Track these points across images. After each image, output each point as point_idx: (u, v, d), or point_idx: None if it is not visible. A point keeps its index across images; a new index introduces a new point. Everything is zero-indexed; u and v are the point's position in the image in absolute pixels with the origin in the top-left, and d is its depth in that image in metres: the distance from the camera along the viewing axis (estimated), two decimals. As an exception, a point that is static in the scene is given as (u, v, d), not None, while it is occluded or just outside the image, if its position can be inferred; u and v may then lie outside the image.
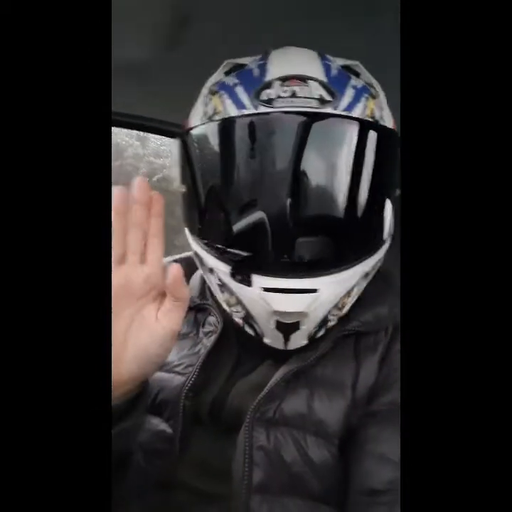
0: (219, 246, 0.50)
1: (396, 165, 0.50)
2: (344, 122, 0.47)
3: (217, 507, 0.47)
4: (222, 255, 0.49)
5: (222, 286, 0.51)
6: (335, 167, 0.48)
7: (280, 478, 0.46)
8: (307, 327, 0.50)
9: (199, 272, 0.63)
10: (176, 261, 0.69)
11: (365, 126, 0.48)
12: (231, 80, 0.50)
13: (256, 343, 0.54)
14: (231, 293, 0.51)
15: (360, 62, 0.55)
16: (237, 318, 0.53)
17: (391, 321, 0.53)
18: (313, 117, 0.46)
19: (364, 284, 0.54)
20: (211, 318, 0.57)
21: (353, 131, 0.48)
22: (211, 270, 0.52)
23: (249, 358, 0.55)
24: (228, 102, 0.48)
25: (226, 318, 0.56)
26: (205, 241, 0.51)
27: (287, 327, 0.49)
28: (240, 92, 0.48)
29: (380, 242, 0.52)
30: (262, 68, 0.49)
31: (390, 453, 0.44)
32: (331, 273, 0.47)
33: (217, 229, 0.51)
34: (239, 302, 0.51)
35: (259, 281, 0.47)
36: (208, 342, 0.55)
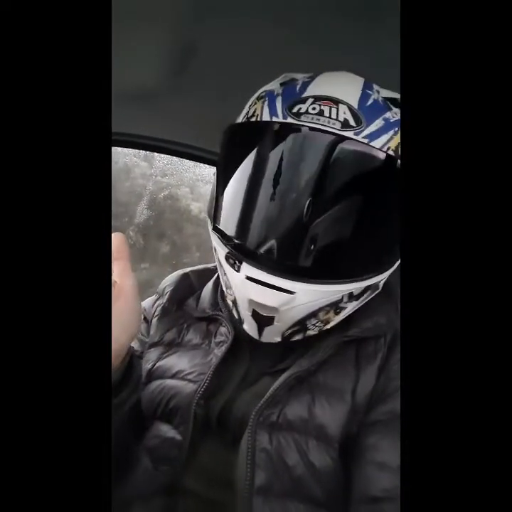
0: (221, 230, 0.54)
1: (395, 198, 0.50)
2: (356, 147, 0.48)
3: None
4: (223, 238, 0.54)
5: (221, 266, 0.56)
6: (338, 189, 0.49)
7: (282, 480, 0.47)
8: (281, 325, 0.52)
9: (210, 284, 0.66)
10: (189, 272, 0.72)
11: (377, 156, 0.49)
12: (277, 90, 0.54)
13: (264, 355, 0.56)
14: (224, 273, 0.54)
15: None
16: (229, 301, 0.57)
17: (390, 329, 0.54)
18: (328, 137, 0.48)
19: (355, 304, 0.55)
20: (222, 329, 0.59)
21: (364, 158, 0.49)
22: (215, 250, 0.56)
23: (257, 369, 0.56)
24: (266, 109, 0.52)
25: (237, 329, 0.58)
26: (213, 224, 0.56)
27: (261, 319, 0.52)
28: (279, 102, 0.51)
29: (372, 269, 0.52)
30: (305, 85, 0.52)
31: (389, 461, 0.45)
32: (312, 282, 0.49)
33: (223, 215, 0.54)
34: (230, 285, 0.54)
35: (246, 269, 0.50)
36: (219, 352, 0.57)
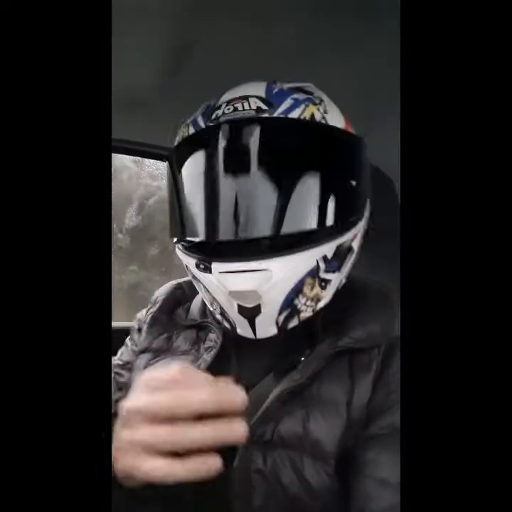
0: (182, 240, 0.57)
1: (347, 158, 0.56)
2: (276, 121, 0.52)
3: None
4: (187, 250, 0.56)
5: (197, 282, 0.57)
6: (275, 161, 0.52)
7: (279, 500, 0.47)
8: (269, 311, 0.52)
9: (201, 294, 0.65)
10: (182, 283, 0.73)
11: (294, 122, 0.53)
12: (198, 113, 0.59)
13: (254, 362, 0.56)
14: (203, 288, 0.56)
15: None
16: (218, 315, 0.57)
17: (383, 339, 0.53)
18: (246, 122, 0.52)
19: (339, 276, 0.56)
20: (212, 335, 0.60)
21: (287, 128, 0.53)
22: (187, 267, 0.57)
23: (247, 376, 0.55)
24: (191, 128, 0.57)
25: (226, 335, 0.58)
26: (175, 240, 0.58)
27: (248, 311, 0.52)
28: (199, 118, 0.56)
29: (333, 229, 0.54)
30: (218, 98, 0.57)
31: (390, 477, 0.43)
32: (280, 255, 0.50)
33: (181, 226, 0.56)
34: (210, 294, 0.55)
35: (217, 266, 0.51)
36: (208, 356, 0.57)
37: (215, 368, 0.55)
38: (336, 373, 0.51)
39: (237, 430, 0.33)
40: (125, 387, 0.63)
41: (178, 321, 0.66)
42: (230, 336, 0.58)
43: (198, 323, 0.62)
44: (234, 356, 0.58)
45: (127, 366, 0.65)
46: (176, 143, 0.59)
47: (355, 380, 0.51)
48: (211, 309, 0.59)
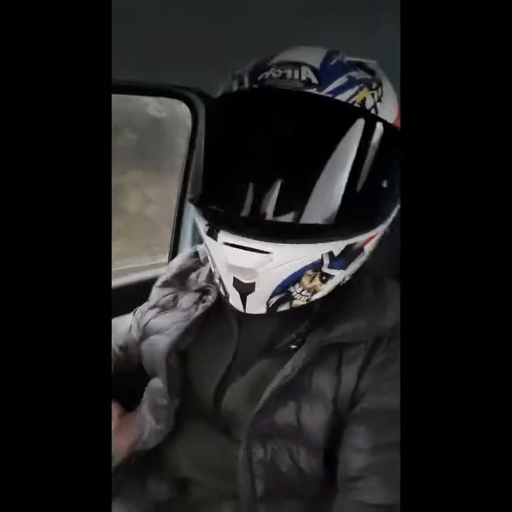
0: (198, 202, 0.57)
1: (385, 155, 0.51)
2: (320, 100, 0.49)
3: (229, 507, 0.54)
4: (201, 211, 0.56)
5: (206, 246, 0.58)
6: (306, 144, 0.50)
7: (279, 485, 0.51)
8: (262, 291, 0.53)
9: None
10: (194, 253, 0.76)
11: (340, 106, 0.50)
12: (247, 68, 0.55)
13: (252, 341, 0.59)
14: (208, 251, 0.57)
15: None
16: (217, 279, 0.59)
17: (370, 335, 0.54)
18: (289, 95, 0.50)
19: (343, 273, 0.55)
20: (210, 296, 0.64)
21: (329, 111, 0.50)
22: (198, 225, 0.59)
23: (244, 355, 0.59)
24: (235, 84, 0.54)
25: (224, 301, 0.61)
26: (191, 200, 0.58)
27: (242, 286, 0.53)
28: (246, 76, 0.54)
29: (349, 228, 0.53)
30: (272, 58, 0.53)
31: (361, 444, 0.49)
32: (287, 242, 0.50)
33: (202, 187, 0.56)
34: (213, 260, 0.57)
35: (223, 236, 0.52)
36: (199, 311, 0.62)
37: (214, 335, 0.61)
38: (325, 366, 0.53)
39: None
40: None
41: (187, 285, 0.70)
42: (229, 306, 0.60)
43: (203, 287, 0.66)
44: (236, 327, 0.61)
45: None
46: (218, 94, 0.57)
47: (342, 375, 0.53)
48: (213, 271, 0.60)
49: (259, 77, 0.51)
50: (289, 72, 0.50)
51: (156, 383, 0.61)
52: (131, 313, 0.78)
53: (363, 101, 0.50)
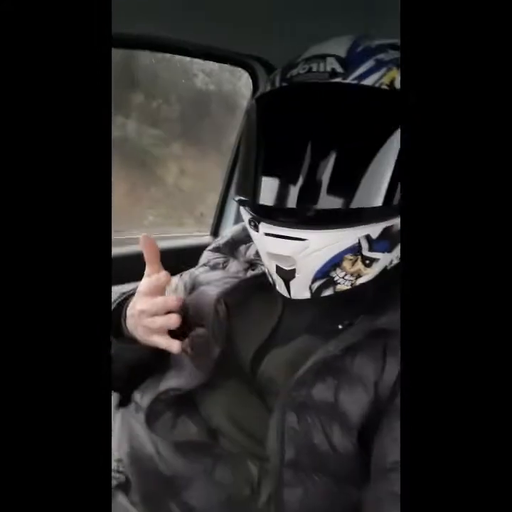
0: (241, 198, 0.59)
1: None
2: (345, 88, 0.50)
3: (256, 466, 0.54)
4: (244, 205, 0.58)
5: (252, 239, 0.61)
6: (335, 133, 0.51)
7: (309, 456, 0.51)
8: (303, 276, 0.55)
9: None
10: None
11: (364, 90, 0.50)
12: (279, 70, 0.57)
13: (297, 316, 0.60)
14: (253, 239, 0.60)
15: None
16: (265, 269, 0.62)
17: None
18: (314, 86, 0.51)
19: (388, 257, 0.55)
20: (260, 269, 0.66)
21: (354, 97, 0.50)
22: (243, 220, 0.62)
23: (288, 327, 0.60)
24: (269, 85, 0.56)
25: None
26: (236, 197, 0.61)
27: (284, 273, 0.56)
28: (277, 77, 0.55)
29: (384, 211, 0.52)
30: (301, 55, 0.55)
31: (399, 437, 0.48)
32: (322, 228, 0.52)
33: (241, 184, 0.60)
34: (258, 250, 0.60)
35: (263, 227, 0.54)
36: (249, 274, 0.65)
37: (260, 307, 0.62)
38: (369, 351, 0.53)
39: (171, 318, 0.52)
40: None
41: (236, 255, 0.73)
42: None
43: (251, 260, 0.68)
44: (281, 303, 0.62)
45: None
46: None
47: (386, 362, 0.53)
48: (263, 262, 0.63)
49: (288, 76, 0.53)
50: (314, 65, 0.51)
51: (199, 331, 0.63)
52: (178, 276, 0.79)
53: (392, 81, 0.50)
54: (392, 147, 0.50)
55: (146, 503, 0.55)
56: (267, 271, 0.61)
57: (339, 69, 0.50)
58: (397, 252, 0.56)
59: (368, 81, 0.50)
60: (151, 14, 0.74)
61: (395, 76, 0.50)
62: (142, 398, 0.61)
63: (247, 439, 0.56)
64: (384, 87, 0.50)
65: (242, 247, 0.74)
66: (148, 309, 0.53)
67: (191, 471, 0.54)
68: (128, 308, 0.57)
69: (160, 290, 0.54)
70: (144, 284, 0.55)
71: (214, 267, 0.72)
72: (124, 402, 0.66)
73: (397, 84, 0.50)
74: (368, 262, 0.54)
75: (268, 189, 0.54)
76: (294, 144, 0.52)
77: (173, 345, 0.53)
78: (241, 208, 0.60)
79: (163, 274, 0.53)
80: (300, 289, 0.57)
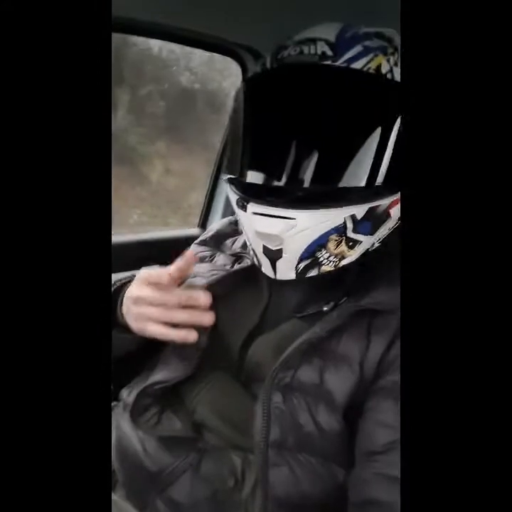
0: (229, 176, 0.59)
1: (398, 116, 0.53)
2: (334, 70, 0.52)
3: (240, 458, 0.54)
4: (232, 186, 0.58)
5: (239, 220, 0.61)
6: (324, 114, 0.52)
7: (294, 436, 0.52)
8: (289, 256, 0.55)
9: None
10: (234, 220, 0.77)
11: (352, 73, 0.51)
12: (271, 52, 0.58)
13: (284, 301, 0.60)
14: (241, 224, 0.60)
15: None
16: (250, 250, 0.62)
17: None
18: (304, 68, 0.52)
19: (370, 239, 0.56)
20: (244, 262, 0.66)
21: (343, 79, 0.52)
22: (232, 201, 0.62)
23: (275, 312, 0.60)
24: (260, 65, 0.58)
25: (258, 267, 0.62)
26: (225, 175, 0.61)
27: (271, 253, 0.56)
28: (268, 58, 0.57)
29: (370, 192, 0.53)
30: (291, 37, 0.57)
31: (387, 419, 0.49)
32: (309, 208, 0.52)
33: (230, 162, 0.60)
34: (244, 231, 0.60)
35: (252, 207, 0.54)
36: (237, 268, 0.64)
37: (247, 292, 0.62)
38: (354, 332, 0.54)
39: (203, 316, 0.51)
40: None
41: (222, 249, 0.73)
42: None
43: (237, 253, 0.68)
44: (267, 288, 0.62)
45: None
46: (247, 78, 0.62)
47: (371, 340, 0.53)
48: (247, 243, 0.63)
49: (279, 56, 0.54)
50: (305, 48, 0.53)
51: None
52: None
53: (379, 67, 0.52)
54: (380, 129, 0.52)
55: (131, 498, 0.55)
56: (252, 252, 0.61)
57: (329, 52, 0.52)
58: (378, 234, 0.57)
59: (357, 65, 0.51)
60: (144, 1, 0.73)
61: (381, 62, 0.52)
62: (129, 395, 0.60)
63: (231, 430, 0.56)
64: (372, 71, 0.52)
65: (229, 241, 0.74)
66: (158, 299, 0.52)
67: (177, 466, 0.54)
68: (125, 296, 0.55)
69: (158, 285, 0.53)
70: (150, 272, 0.54)
71: (201, 260, 0.72)
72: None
73: (383, 70, 0.52)
74: (351, 243, 0.56)
75: (256, 168, 0.55)
76: (283, 124, 0.53)
77: (171, 334, 0.52)
78: (229, 188, 0.60)
79: (173, 279, 0.52)
80: (286, 270, 0.57)
